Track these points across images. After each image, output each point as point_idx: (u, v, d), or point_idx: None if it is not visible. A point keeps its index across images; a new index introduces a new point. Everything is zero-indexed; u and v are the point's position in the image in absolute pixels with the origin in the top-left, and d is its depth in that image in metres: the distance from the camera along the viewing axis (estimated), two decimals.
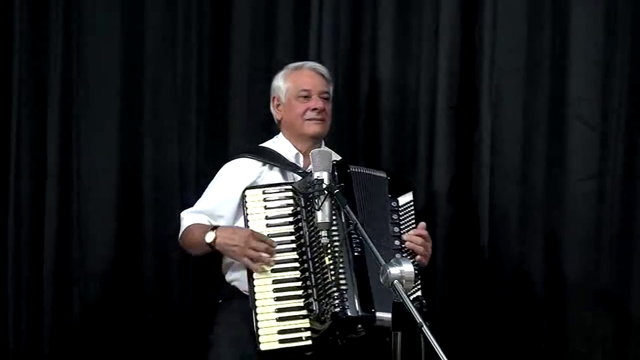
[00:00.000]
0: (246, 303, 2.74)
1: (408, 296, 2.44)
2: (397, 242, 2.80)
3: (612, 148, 3.26)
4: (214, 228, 2.78)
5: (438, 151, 3.36)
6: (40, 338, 3.44)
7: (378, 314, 2.58)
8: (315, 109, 2.96)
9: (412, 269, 2.22)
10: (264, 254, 2.67)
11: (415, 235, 2.81)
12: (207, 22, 3.50)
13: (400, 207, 2.87)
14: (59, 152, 3.45)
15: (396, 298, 2.20)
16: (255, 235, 2.70)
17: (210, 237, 2.76)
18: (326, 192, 2.50)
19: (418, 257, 2.81)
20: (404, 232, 2.83)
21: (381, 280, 2.25)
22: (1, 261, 3.44)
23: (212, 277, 3.09)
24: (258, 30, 3.50)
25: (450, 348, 2.09)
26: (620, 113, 3.25)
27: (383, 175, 2.91)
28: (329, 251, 2.62)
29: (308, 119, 2.97)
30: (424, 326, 2.10)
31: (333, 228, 2.62)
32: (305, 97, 2.98)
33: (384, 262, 2.26)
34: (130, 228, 3.48)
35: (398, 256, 2.74)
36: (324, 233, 2.52)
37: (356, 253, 2.64)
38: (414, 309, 2.14)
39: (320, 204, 2.49)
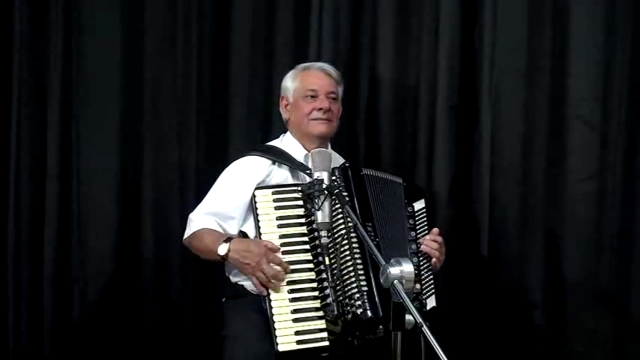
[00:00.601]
0: (253, 300, 2.75)
1: (423, 298, 2.46)
2: (414, 246, 2.83)
3: (612, 148, 3.26)
4: (228, 240, 2.75)
5: (438, 151, 3.36)
6: (40, 338, 3.44)
7: None
8: (320, 109, 2.95)
9: (412, 269, 2.23)
10: (273, 280, 2.66)
11: (431, 240, 2.85)
12: (207, 22, 3.50)
13: (415, 212, 2.92)
14: (59, 152, 3.45)
15: (395, 298, 2.21)
16: (269, 257, 2.67)
17: (223, 250, 2.72)
18: (326, 192, 2.49)
19: (433, 261, 2.85)
20: (419, 237, 2.87)
21: (381, 280, 2.25)
22: (1, 261, 3.44)
23: (213, 276, 3.08)
24: (258, 30, 3.49)
25: (450, 348, 2.09)
26: (620, 113, 3.25)
27: (399, 180, 2.94)
28: (335, 251, 2.62)
29: (314, 119, 2.96)
30: (424, 326, 2.10)
31: (352, 229, 2.63)
32: (312, 97, 2.97)
33: (383, 262, 2.26)
34: (130, 228, 3.48)
35: (415, 260, 2.77)
36: (324, 233, 2.52)
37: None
38: (414, 309, 2.14)
39: (320, 204, 2.48)
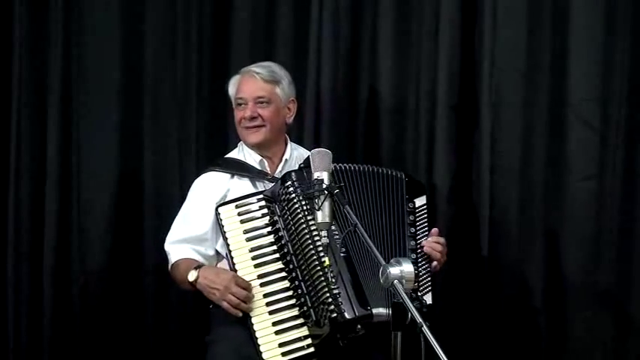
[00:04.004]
0: None
1: (419, 296, 2.46)
2: (413, 243, 2.80)
3: (612, 148, 3.26)
4: (198, 267, 2.75)
5: (438, 151, 3.36)
6: (40, 338, 3.44)
7: (375, 311, 2.59)
8: (246, 118, 2.92)
9: (412, 269, 2.23)
10: (243, 304, 2.65)
11: (435, 242, 2.82)
12: (207, 22, 3.50)
13: (416, 209, 2.88)
14: (59, 153, 3.45)
15: (396, 298, 2.21)
16: (238, 281, 2.67)
17: (192, 276, 2.73)
18: (326, 192, 2.48)
19: (434, 264, 2.82)
20: (419, 234, 2.84)
21: (381, 280, 2.25)
22: (1, 261, 3.44)
23: None
24: (258, 30, 3.49)
25: (450, 348, 2.09)
26: (620, 113, 3.25)
27: (400, 175, 2.89)
28: (327, 252, 2.61)
29: (244, 127, 2.94)
30: (424, 326, 2.10)
31: (315, 233, 2.61)
32: (240, 104, 2.95)
33: (384, 262, 2.26)
34: (130, 228, 3.48)
35: (413, 256, 2.76)
36: (324, 233, 2.48)
37: (341, 254, 2.64)
38: (414, 309, 2.14)
39: (320, 204, 2.48)
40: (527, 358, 3.33)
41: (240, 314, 2.66)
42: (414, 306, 2.15)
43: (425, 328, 2.10)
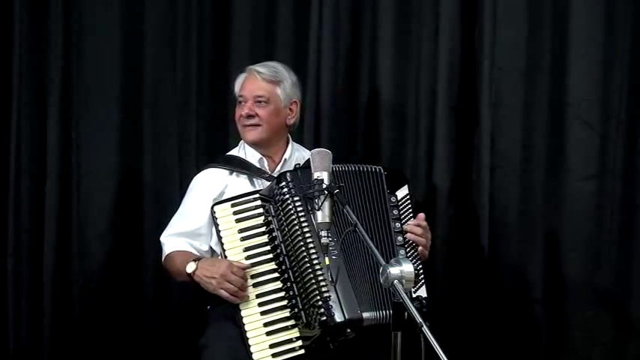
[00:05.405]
0: (235, 308, 2.74)
1: (419, 296, 2.45)
2: (400, 238, 2.77)
3: (612, 147, 3.26)
4: (197, 259, 2.75)
5: (438, 151, 3.36)
6: (40, 338, 3.44)
7: (365, 315, 2.58)
8: (244, 116, 2.94)
9: (412, 269, 2.22)
10: (241, 292, 2.65)
11: (415, 225, 2.79)
12: (207, 22, 3.50)
13: (399, 201, 2.84)
14: (59, 152, 3.44)
15: (396, 298, 2.21)
16: (233, 269, 2.66)
17: (190, 267, 2.72)
18: (326, 192, 2.48)
19: (420, 249, 2.79)
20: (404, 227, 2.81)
21: (381, 281, 2.25)
22: (1, 261, 3.44)
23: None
24: (258, 30, 3.50)
25: (450, 348, 2.09)
26: (620, 113, 3.26)
27: (378, 169, 2.84)
28: (327, 252, 2.60)
29: (242, 125, 2.96)
30: (424, 326, 2.10)
31: (307, 235, 2.61)
32: (240, 102, 2.97)
33: (384, 262, 2.26)
34: (130, 228, 3.48)
35: (402, 252, 2.73)
36: (324, 233, 2.45)
37: (333, 257, 2.62)
38: (414, 309, 2.14)
39: (320, 204, 2.47)
40: (527, 357, 3.33)
41: (239, 301, 2.67)
42: (414, 306, 2.15)
43: (425, 328, 2.09)
